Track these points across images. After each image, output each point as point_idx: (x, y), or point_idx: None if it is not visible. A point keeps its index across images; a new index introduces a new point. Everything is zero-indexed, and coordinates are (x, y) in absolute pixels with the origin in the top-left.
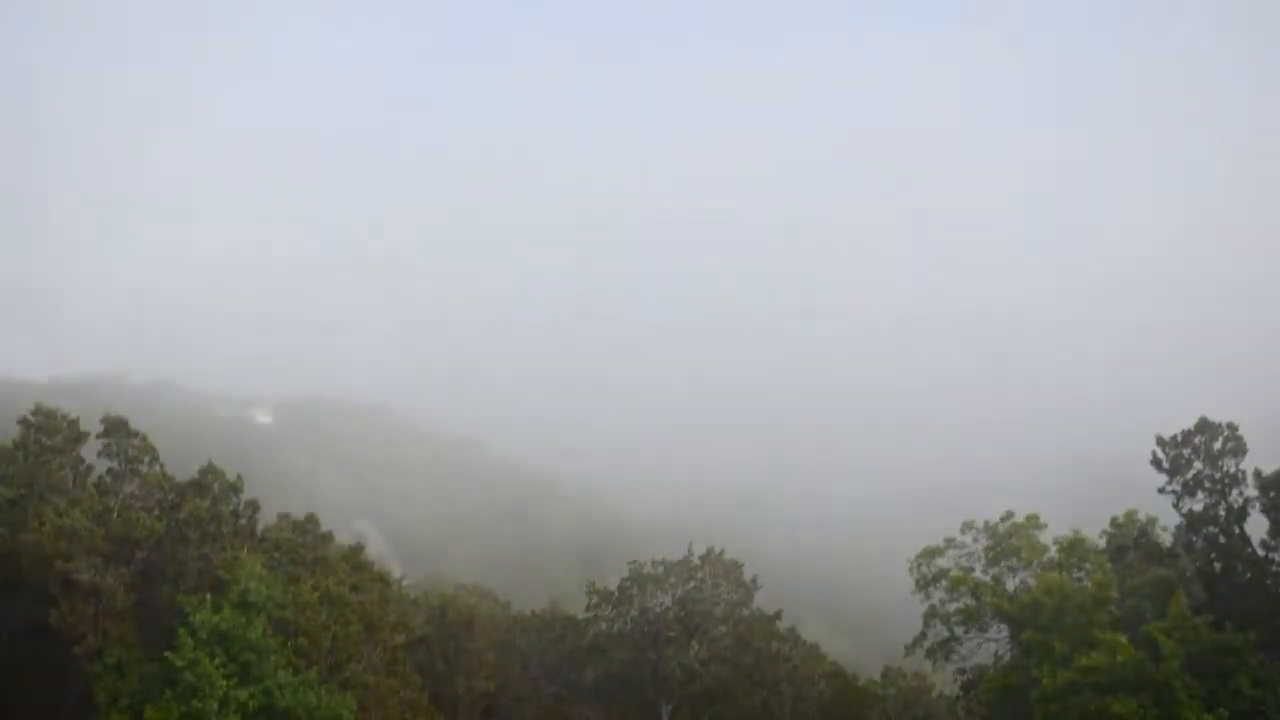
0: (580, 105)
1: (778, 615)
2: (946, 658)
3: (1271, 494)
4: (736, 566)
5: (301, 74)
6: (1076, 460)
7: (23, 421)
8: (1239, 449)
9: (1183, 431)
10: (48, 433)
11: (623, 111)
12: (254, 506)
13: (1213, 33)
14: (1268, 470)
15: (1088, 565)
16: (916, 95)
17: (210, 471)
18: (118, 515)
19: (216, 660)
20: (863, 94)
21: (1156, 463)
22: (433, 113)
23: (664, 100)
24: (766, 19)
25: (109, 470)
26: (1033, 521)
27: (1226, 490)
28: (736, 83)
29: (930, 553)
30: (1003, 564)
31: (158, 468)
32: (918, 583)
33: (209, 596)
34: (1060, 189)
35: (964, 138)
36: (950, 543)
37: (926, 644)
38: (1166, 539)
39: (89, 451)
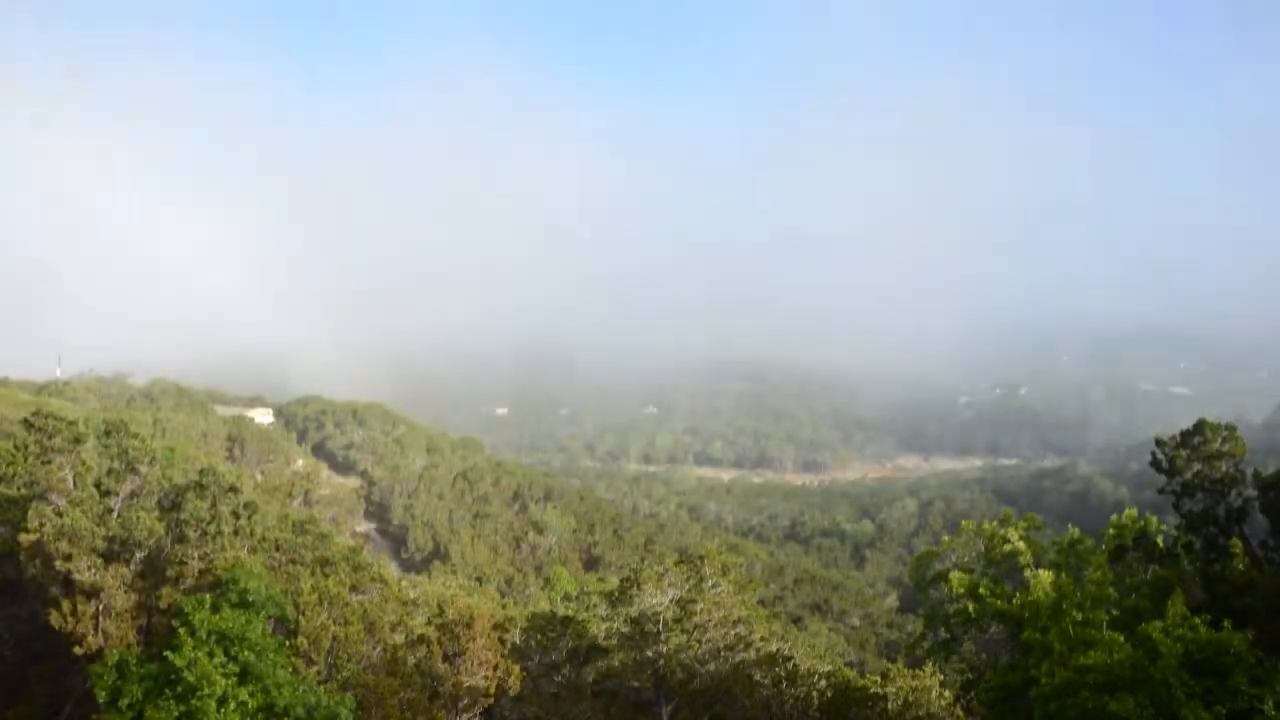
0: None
1: (778, 615)
2: (946, 658)
3: (1271, 494)
4: (737, 565)
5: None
6: None
7: (23, 421)
8: (1238, 449)
9: (1181, 432)
10: (48, 433)
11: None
12: (253, 507)
13: None
14: (1267, 470)
15: (1086, 565)
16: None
17: (209, 471)
18: (118, 515)
19: (216, 660)
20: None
21: (1156, 463)
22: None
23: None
24: None
25: (109, 470)
26: (1031, 522)
27: (1225, 491)
28: None
29: (929, 555)
30: (1002, 565)
31: (158, 468)
32: (917, 585)
33: (209, 596)
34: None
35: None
36: (949, 544)
37: (926, 644)
38: (1166, 539)
39: (89, 452)
